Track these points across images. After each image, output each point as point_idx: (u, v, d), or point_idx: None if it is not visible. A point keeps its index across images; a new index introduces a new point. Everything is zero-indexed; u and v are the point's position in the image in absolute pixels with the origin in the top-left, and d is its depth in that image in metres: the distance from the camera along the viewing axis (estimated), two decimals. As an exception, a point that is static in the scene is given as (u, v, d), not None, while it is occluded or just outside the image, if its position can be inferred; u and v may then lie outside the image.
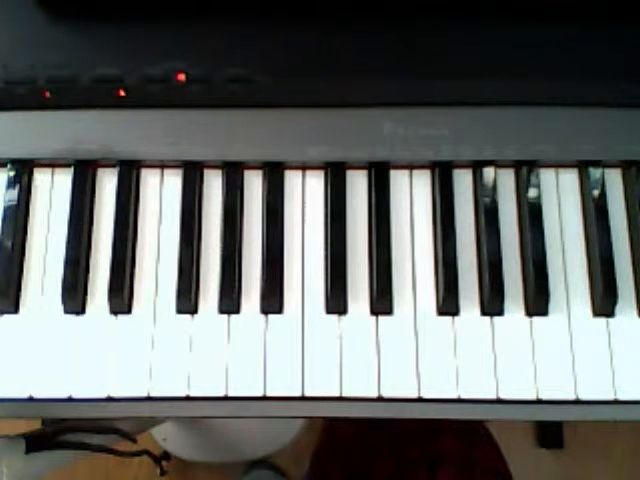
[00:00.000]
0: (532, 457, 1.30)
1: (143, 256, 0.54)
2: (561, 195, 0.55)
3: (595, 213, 0.54)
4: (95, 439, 0.68)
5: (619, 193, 0.55)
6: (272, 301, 0.52)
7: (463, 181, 0.55)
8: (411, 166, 0.55)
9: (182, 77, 0.54)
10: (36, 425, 0.66)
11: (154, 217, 0.55)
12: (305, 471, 0.83)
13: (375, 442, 0.76)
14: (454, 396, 0.51)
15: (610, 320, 0.52)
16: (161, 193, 0.55)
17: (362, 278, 0.53)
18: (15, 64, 0.55)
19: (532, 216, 0.54)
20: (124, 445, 0.73)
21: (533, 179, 0.55)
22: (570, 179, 0.55)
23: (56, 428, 0.65)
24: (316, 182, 0.55)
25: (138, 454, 0.77)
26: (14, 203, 0.54)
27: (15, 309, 0.53)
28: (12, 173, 0.55)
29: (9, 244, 0.53)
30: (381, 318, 0.52)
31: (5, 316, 0.53)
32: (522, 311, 0.53)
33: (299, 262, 0.54)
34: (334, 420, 0.80)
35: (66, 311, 0.53)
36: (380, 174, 0.55)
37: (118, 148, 0.54)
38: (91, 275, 0.53)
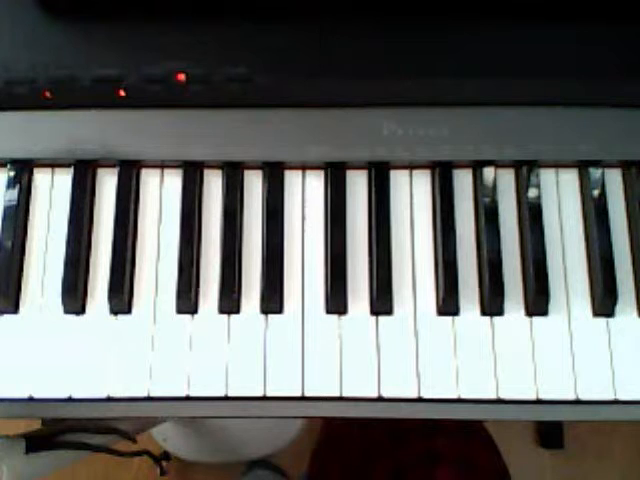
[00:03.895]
0: (532, 457, 1.30)
1: (143, 256, 0.54)
2: (561, 195, 0.55)
3: (595, 213, 0.54)
4: (95, 439, 0.68)
5: (619, 193, 0.55)
6: (272, 301, 0.52)
7: (463, 181, 0.55)
8: (411, 166, 0.55)
9: (182, 77, 0.54)
10: (36, 425, 0.66)
11: (154, 217, 0.55)
12: (304, 470, 0.83)
13: (374, 441, 0.76)
14: (454, 396, 0.51)
15: (610, 320, 0.52)
16: (161, 193, 0.55)
17: (362, 278, 0.53)
18: (15, 64, 0.55)
19: (532, 216, 0.54)
20: (124, 445, 0.73)
21: (533, 179, 0.55)
22: (570, 179, 0.55)
23: (56, 428, 0.65)
24: (316, 182, 0.55)
25: (138, 454, 0.77)
26: (14, 203, 0.54)
27: (15, 309, 0.53)
28: (12, 173, 0.55)
29: (9, 244, 0.53)
30: (381, 318, 0.52)
31: (5, 316, 0.53)
32: (522, 311, 0.53)
33: (299, 262, 0.54)
34: (333, 419, 0.80)
35: (66, 311, 0.53)
36: (380, 174, 0.55)
37: (118, 148, 0.54)
38: (91, 275, 0.53)
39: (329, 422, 0.83)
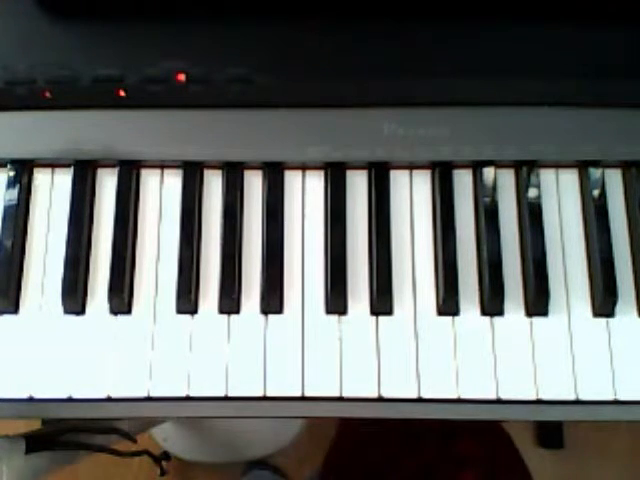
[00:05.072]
0: (532, 457, 1.30)
1: (143, 256, 0.54)
2: (561, 195, 0.55)
3: (595, 213, 0.54)
4: (95, 439, 0.68)
5: (619, 193, 0.55)
6: (272, 301, 0.52)
7: (463, 181, 0.55)
8: (411, 166, 0.55)
9: (182, 77, 0.54)
10: (36, 425, 0.66)
11: (154, 217, 0.55)
12: (314, 471, 0.83)
13: (395, 442, 0.75)
14: (454, 396, 0.51)
15: (610, 320, 0.52)
16: (161, 193, 0.55)
17: (362, 278, 0.53)
18: (15, 64, 0.55)
19: (532, 216, 0.54)
20: (124, 445, 0.73)
21: (533, 179, 0.55)
22: (570, 179, 0.55)
23: (56, 428, 0.65)
24: (316, 182, 0.55)
25: (138, 454, 0.77)
26: (14, 203, 0.54)
27: (15, 309, 0.53)
28: (12, 173, 0.55)
29: (9, 244, 0.53)
30: (381, 318, 0.52)
31: (5, 316, 0.53)
32: (522, 311, 0.53)
33: (299, 262, 0.54)
34: (349, 420, 0.80)
35: (66, 311, 0.53)
36: (380, 174, 0.55)
37: (118, 148, 0.54)
38: (91, 275, 0.53)
39: (344, 423, 0.82)
